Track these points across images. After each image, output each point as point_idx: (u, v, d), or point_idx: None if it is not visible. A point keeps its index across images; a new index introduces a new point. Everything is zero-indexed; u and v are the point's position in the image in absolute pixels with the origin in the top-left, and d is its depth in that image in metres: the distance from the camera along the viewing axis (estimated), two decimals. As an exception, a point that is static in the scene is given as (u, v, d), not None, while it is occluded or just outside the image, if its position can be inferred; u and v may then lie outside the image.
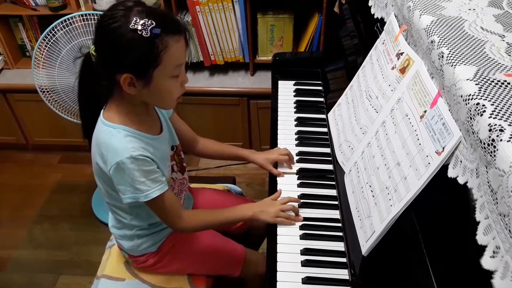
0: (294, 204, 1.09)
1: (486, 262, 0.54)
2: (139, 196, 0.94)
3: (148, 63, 0.85)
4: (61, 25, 1.64)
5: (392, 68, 0.96)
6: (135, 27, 0.81)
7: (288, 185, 1.17)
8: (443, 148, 0.70)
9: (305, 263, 0.98)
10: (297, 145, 1.30)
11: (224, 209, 1.11)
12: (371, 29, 1.19)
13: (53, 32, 1.64)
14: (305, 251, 1.00)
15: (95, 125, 0.97)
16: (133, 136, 0.94)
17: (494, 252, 0.53)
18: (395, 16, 1.01)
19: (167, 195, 0.98)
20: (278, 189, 1.16)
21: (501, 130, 0.55)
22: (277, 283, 0.94)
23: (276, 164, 1.23)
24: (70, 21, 1.64)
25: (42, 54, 1.67)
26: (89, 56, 0.92)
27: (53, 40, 1.64)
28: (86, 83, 0.97)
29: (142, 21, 0.81)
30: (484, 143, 0.56)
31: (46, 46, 1.65)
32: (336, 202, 1.10)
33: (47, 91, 1.74)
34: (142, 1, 0.87)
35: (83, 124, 1.03)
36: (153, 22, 0.82)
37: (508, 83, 0.63)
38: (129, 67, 0.85)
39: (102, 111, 0.97)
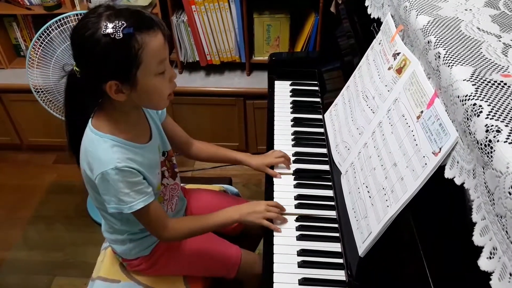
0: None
1: (483, 263, 0.54)
2: (123, 208, 0.93)
3: (128, 65, 0.83)
4: (56, 25, 1.63)
5: (389, 69, 0.96)
6: (107, 31, 0.79)
7: (285, 186, 1.17)
8: (440, 148, 0.70)
9: (302, 264, 0.97)
10: (293, 145, 1.29)
11: (210, 214, 1.08)
12: (368, 29, 1.19)
13: (47, 31, 1.62)
14: (301, 252, 1.00)
15: (81, 136, 0.95)
16: (120, 146, 0.92)
17: (491, 253, 0.53)
18: (392, 16, 1.01)
19: (152, 206, 0.97)
20: (273, 193, 1.15)
21: (498, 131, 0.54)
22: (274, 284, 0.94)
23: (273, 167, 1.22)
24: (65, 20, 1.63)
25: (37, 54, 1.66)
26: (73, 74, 0.89)
27: (48, 40, 1.63)
28: (74, 101, 0.95)
29: (112, 24, 0.79)
30: (481, 144, 0.56)
31: (40, 45, 1.64)
32: (333, 203, 1.10)
33: (42, 91, 1.73)
34: (111, 5, 0.85)
35: (70, 135, 1.00)
36: (123, 22, 0.80)
37: (505, 84, 0.63)
38: (111, 73, 0.83)
39: (90, 118, 0.95)
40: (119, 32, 0.79)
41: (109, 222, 1.08)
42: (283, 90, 1.51)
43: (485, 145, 0.55)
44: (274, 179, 1.19)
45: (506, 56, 0.70)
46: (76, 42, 0.85)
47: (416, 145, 0.77)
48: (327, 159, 1.22)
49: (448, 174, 0.67)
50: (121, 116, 0.94)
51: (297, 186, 1.16)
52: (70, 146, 1.01)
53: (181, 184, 1.24)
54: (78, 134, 0.97)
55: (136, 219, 1.01)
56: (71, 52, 0.88)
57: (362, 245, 0.87)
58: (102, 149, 0.91)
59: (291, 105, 1.44)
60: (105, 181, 0.90)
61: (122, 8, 0.84)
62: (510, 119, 0.56)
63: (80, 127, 0.96)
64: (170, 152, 1.13)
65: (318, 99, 1.45)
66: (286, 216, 1.08)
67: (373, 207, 0.87)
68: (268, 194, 1.15)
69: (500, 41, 0.74)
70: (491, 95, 0.61)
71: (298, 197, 1.13)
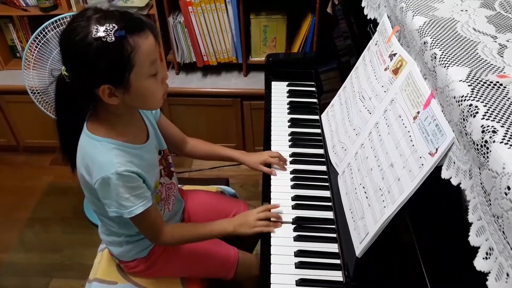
0: (276, 210, 1.09)
1: (479, 263, 0.54)
2: (123, 212, 0.93)
3: (121, 68, 0.82)
4: (52, 26, 1.62)
5: (385, 69, 0.96)
6: (98, 34, 0.78)
7: (282, 187, 1.17)
8: (437, 149, 0.70)
9: (299, 265, 0.97)
10: (290, 146, 1.29)
11: (206, 224, 1.09)
12: (364, 30, 1.19)
13: (43, 32, 1.62)
14: (299, 253, 1.00)
15: (73, 139, 0.95)
16: (118, 149, 0.91)
17: (487, 253, 0.53)
18: (388, 17, 1.01)
19: (151, 211, 0.97)
20: (270, 194, 1.15)
21: (494, 132, 0.55)
22: (271, 285, 0.94)
23: (269, 166, 1.22)
24: (61, 21, 1.63)
25: (33, 55, 1.65)
26: (62, 78, 0.88)
27: (44, 41, 1.63)
28: (65, 106, 0.94)
29: (103, 27, 0.78)
30: (477, 145, 0.56)
31: (36, 47, 1.63)
32: (330, 204, 1.10)
33: (38, 92, 1.72)
34: (99, 7, 0.83)
35: (61, 140, 1.00)
36: (114, 25, 0.79)
37: (501, 85, 0.63)
38: (104, 77, 0.82)
39: (85, 122, 0.94)
40: (111, 36, 0.78)
41: (106, 225, 1.08)
42: (280, 91, 1.51)
43: (481, 146, 0.55)
44: (271, 180, 1.19)
45: (502, 56, 0.70)
46: (66, 47, 0.83)
47: (413, 145, 0.77)
48: (324, 159, 1.22)
49: (444, 174, 0.68)
50: (116, 119, 0.93)
51: (294, 187, 1.16)
52: (64, 150, 1.00)
53: (178, 185, 1.24)
54: (71, 138, 0.96)
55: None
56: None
57: (359, 246, 0.87)
58: (101, 153, 0.90)
59: (288, 105, 1.44)
60: (105, 185, 0.90)
61: (111, 10, 0.83)
62: (506, 120, 0.56)
63: (72, 130, 0.95)
64: (166, 151, 1.12)
65: (315, 100, 1.45)
66: (283, 216, 1.08)
67: (370, 208, 0.87)
68: (265, 195, 1.15)
69: (496, 41, 0.74)
70: (487, 96, 0.61)
71: (295, 197, 1.13)
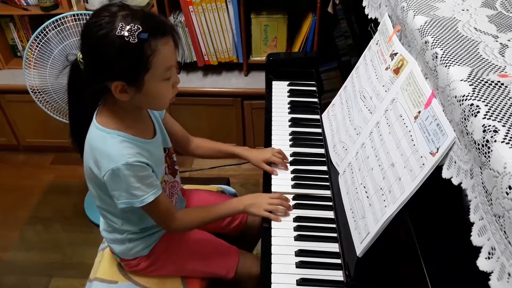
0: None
1: (482, 263, 0.54)
2: (135, 202, 0.94)
3: (138, 69, 0.83)
4: (53, 25, 1.62)
5: (386, 69, 0.96)
6: (122, 33, 0.79)
7: (283, 186, 1.17)
8: (437, 149, 0.70)
9: (300, 265, 0.97)
10: (291, 145, 1.29)
11: (215, 205, 1.11)
12: (365, 29, 1.19)
13: (44, 32, 1.62)
14: (299, 253, 1.00)
15: (84, 127, 0.96)
16: (128, 141, 0.92)
17: (489, 253, 0.53)
18: (389, 17, 1.01)
19: (162, 199, 0.98)
20: (272, 191, 1.15)
21: (495, 131, 0.54)
22: (272, 284, 0.94)
23: (270, 164, 1.22)
24: (62, 21, 1.63)
25: (34, 54, 1.65)
26: (77, 64, 0.89)
27: (45, 40, 1.63)
28: (76, 91, 0.95)
29: (128, 27, 0.79)
30: (478, 144, 0.56)
31: (37, 46, 1.63)
32: (331, 203, 1.10)
33: (39, 92, 1.72)
34: (126, 4, 0.85)
35: (72, 127, 1.01)
36: (139, 26, 0.80)
37: (502, 84, 0.63)
38: (120, 74, 0.84)
39: (95, 115, 0.95)
40: (134, 36, 0.79)
41: (109, 221, 1.08)
42: (280, 90, 1.51)
43: (483, 145, 0.55)
44: (272, 179, 1.19)
45: (503, 56, 0.70)
46: (87, 39, 0.84)
47: (414, 145, 0.77)
48: (324, 159, 1.22)
49: (445, 174, 0.67)
50: (125, 113, 0.94)
51: (294, 186, 1.16)
52: (74, 139, 1.01)
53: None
54: (81, 126, 0.97)
55: (138, 218, 1.02)
56: (78, 45, 0.87)
57: (360, 246, 0.87)
58: (111, 145, 0.90)
59: (289, 105, 1.44)
60: (115, 177, 0.90)
61: (136, 10, 0.84)
62: (507, 119, 0.56)
63: (84, 120, 0.96)
64: (170, 149, 1.13)
65: (315, 100, 1.45)
66: (284, 216, 1.08)
67: (370, 208, 0.87)
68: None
69: (497, 41, 0.74)
70: (488, 95, 0.61)
71: (295, 197, 1.13)
